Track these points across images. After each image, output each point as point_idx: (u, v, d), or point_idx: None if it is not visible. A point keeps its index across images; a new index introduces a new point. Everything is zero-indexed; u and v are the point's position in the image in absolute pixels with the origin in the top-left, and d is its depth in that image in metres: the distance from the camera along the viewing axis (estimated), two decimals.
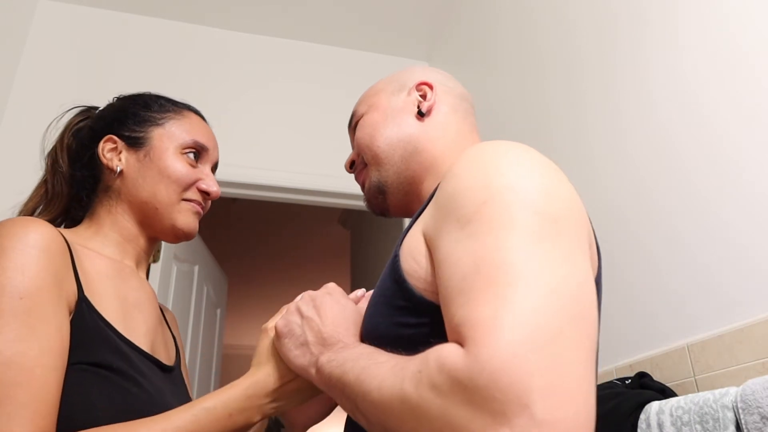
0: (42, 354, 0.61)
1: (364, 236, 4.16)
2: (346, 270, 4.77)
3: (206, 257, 2.89)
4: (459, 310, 0.49)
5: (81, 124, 0.93)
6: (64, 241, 0.71)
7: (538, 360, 0.42)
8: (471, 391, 0.42)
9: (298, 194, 2.49)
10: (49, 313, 0.64)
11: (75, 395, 0.65)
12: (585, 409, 0.42)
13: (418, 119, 0.85)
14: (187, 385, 0.91)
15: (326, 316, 0.68)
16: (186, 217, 0.87)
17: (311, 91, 2.67)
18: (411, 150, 0.82)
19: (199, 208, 0.89)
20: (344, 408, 0.59)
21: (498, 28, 2.20)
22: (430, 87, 0.87)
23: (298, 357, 0.67)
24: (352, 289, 4.35)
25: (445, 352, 0.46)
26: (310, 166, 2.50)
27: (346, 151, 2.58)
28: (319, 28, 2.71)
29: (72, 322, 0.68)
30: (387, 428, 0.50)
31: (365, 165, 0.87)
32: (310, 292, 0.73)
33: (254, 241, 5.04)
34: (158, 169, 0.86)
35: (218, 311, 3.10)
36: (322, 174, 2.49)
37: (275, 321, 0.75)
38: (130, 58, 2.47)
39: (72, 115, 0.95)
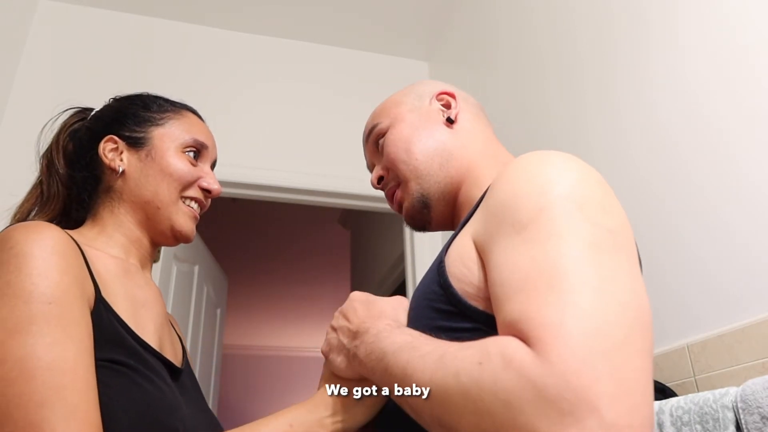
0: (80, 354, 0.62)
1: (364, 236, 4.16)
2: (346, 270, 4.77)
3: (206, 257, 2.89)
4: (518, 306, 0.49)
5: (77, 125, 0.93)
6: (75, 243, 0.71)
7: (607, 365, 0.43)
8: (540, 390, 0.43)
9: (299, 194, 2.49)
10: (78, 315, 0.64)
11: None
12: (650, 416, 0.43)
13: (447, 126, 0.85)
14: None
15: (353, 317, 0.70)
16: (184, 220, 0.88)
17: (311, 91, 2.67)
18: (447, 157, 0.83)
19: (196, 212, 0.90)
20: (396, 401, 0.59)
21: (497, 28, 2.20)
22: (452, 96, 0.88)
23: (342, 362, 0.68)
24: (352, 289, 4.34)
25: (510, 348, 0.47)
26: (310, 166, 2.50)
27: (346, 151, 2.59)
28: (319, 28, 2.71)
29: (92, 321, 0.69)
30: (442, 422, 0.50)
31: (398, 183, 0.86)
32: (338, 308, 0.76)
33: (254, 241, 5.04)
34: (160, 168, 0.86)
35: (218, 311, 3.10)
36: (322, 174, 2.49)
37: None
38: (130, 58, 2.47)
39: (67, 116, 0.95)
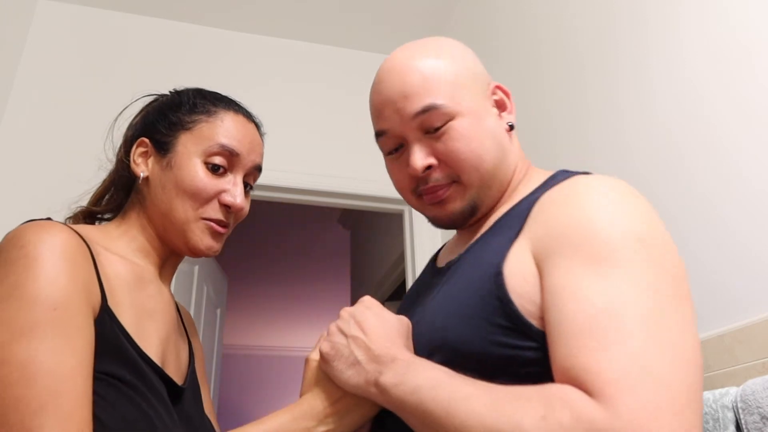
0: (80, 363, 0.61)
1: (364, 236, 4.16)
2: (346, 270, 4.77)
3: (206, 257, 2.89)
4: (583, 355, 0.50)
5: (138, 118, 0.90)
6: (86, 246, 0.69)
7: (676, 425, 0.45)
8: None
9: (298, 194, 2.49)
10: (82, 323, 0.63)
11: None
12: None
13: (507, 133, 0.79)
14: (204, 398, 0.88)
15: (371, 332, 0.67)
16: (201, 237, 0.81)
17: (311, 91, 2.66)
18: (506, 170, 0.77)
19: (218, 228, 0.82)
20: (418, 430, 0.59)
21: (497, 27, 2.20)
22: (508, 96, 0.81)
23: (352, 377, 0.65)
24: (352, 289, 4.32)
25: (578, 402, 0.48)
26: (310, 166, 2.50)
27: (346, 151, 2.59)
28: (319, 28, 2.71)
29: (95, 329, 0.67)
30: None
31: (449, 183, 0.74)
32: (348, 309, 0.71)
33: (254, 241, 5.04)
34: (175, 181, 0.80)
35: (218, 311, 3.10)
36: (322, 174, 2.49)
37: (316, 349, 0.73)
38: (130, 59, 2.47)
39: (144, 104, 0.91)
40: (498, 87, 0.80)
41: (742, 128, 1.12)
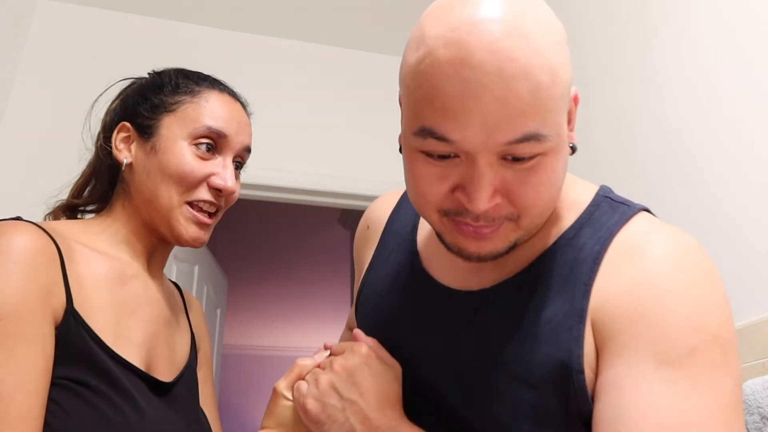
0: (24, 379, 0.57)
1: None
2: (346, 270, 4.77)
3: (206, 257, 2.89)
4: None
5: (116, 102, 0.86)
6: (53, 246, 0.65)
7: None
8: None
9: (298, 194, 2.49)
10: (32, 333, 0.59)
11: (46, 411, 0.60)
12: None
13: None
14: (205, 390, 0.85)
15: (369, 396, 0.60)
16: (185, 227, 0.76)
17: (311, 92, 2.66)
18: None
19: (203, 218, 0.77)
20: None
21: None
22: (576, 105, 0.58)
23: None
24: (352, 290, 4.31)
25: None
26: (310, 166, 2.50)
27: (346, 152, 2.59)
28: (319, 29, 2.71)
29: (56, 335, 0.63)
30: None
31: (502, 223, 0.56)
32: (344, 364, 0.62)
33: (254, 241, 5.04)
34: (160, 165, 0.76)
35: (218, 311, 3.10)
36: (322, 174, 2.49)
37: (288, 381, 0.68)
38: (131, 59, 2.46)
39: (119, 89, 0.87)
40: (575, 97, 0.58)
41: (750, 128, 1.12)
